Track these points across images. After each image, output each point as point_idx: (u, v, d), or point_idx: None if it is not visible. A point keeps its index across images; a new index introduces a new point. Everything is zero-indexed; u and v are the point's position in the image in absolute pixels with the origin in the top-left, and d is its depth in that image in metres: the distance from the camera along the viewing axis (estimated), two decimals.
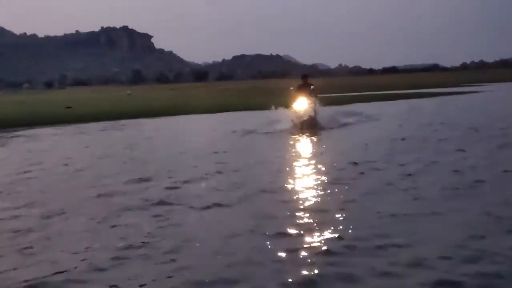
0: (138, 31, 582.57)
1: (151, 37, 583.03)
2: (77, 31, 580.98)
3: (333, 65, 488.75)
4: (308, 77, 20.29)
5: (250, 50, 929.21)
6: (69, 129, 25.05)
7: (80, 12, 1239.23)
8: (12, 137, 21.78)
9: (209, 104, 38.35)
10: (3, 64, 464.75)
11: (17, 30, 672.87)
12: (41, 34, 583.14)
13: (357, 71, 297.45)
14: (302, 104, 18.52)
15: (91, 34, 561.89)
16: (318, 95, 19.83)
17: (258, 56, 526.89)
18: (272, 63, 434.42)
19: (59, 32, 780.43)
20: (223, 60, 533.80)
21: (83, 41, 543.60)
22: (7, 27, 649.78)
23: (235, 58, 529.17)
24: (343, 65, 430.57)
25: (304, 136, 16.42)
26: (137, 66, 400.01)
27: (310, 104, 18.62)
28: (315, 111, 18.55)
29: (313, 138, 16.33)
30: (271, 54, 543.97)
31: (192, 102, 41.18)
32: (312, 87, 19.57)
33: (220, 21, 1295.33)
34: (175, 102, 45.30)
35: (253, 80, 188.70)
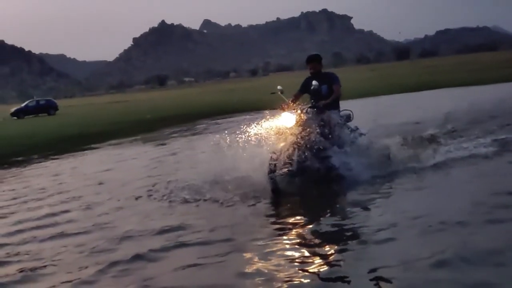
0: (337, 13, 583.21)
1: (350, 18, 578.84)
2: (278, 18, 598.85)
3: None
4: (320, 60, 9.15)
5: (455, 23, 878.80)
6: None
7: None
8: None
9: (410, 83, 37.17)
10: (211, 55, 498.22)
11: (223, 22, 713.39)
12: (244, 24, 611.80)
13: None
14: (288, 120, 8.30)
15: (292, 20, 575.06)
16: (340, 94, 9.00)
17: (464, 29, 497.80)
18: (479, 36, 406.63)
19: (261, 21, 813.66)
20: (425, 36, 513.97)
21: (284, 27, 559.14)
22: (213, 19, 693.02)
23: (439, 33, 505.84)
24: None
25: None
26: (337, 48, 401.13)
27: (311, 119, 8.40)
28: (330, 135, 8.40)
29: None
30: (477, 26, 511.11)
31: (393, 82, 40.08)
32: (315, 84, 8.51)
33: None
34: (373, 82, 44.26)
35: (458, 55, 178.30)
